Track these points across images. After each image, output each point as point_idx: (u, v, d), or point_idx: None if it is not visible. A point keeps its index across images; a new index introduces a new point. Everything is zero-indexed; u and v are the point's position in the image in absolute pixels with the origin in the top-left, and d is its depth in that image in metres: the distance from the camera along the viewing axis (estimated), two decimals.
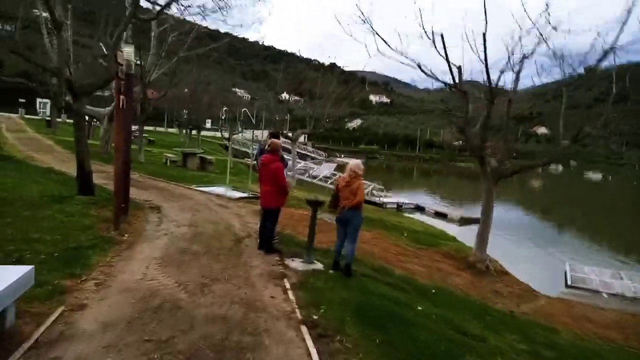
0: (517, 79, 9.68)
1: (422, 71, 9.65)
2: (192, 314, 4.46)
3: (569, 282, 12.03)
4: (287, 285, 5.69)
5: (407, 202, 30.04)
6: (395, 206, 28.32)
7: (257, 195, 13.65)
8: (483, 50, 8.85)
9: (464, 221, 24.61)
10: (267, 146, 7.20)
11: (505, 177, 9.80)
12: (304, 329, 4.41)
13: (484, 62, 8.83)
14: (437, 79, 9.73)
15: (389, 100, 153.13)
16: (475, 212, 28.96)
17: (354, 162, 6.70)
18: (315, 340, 4.17)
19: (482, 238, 9.93)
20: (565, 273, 13.03)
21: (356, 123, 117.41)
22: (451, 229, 20.47)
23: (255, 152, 10.34)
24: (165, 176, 16.67)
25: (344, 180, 6.64)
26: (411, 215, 24.86)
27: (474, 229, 23.29)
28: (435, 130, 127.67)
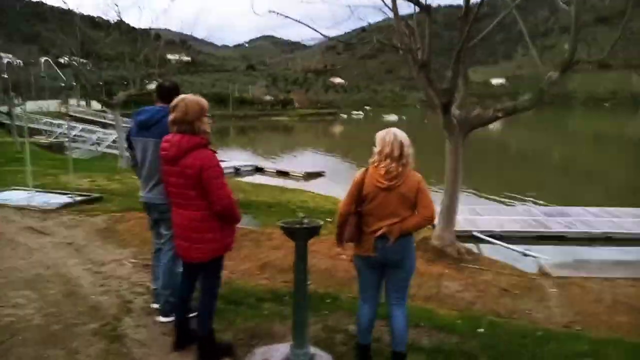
0: None
1: None
2: None
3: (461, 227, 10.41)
4: None
5: (244, 164, 27.02)
6: (233, 170, 25.12)
7: (90, 196, 8.69)
8: None
9: (309, 176, 23.26)
10: (171, 114, 3.00)
11: (478, 127, 7.12)
12: None
13: None
14: None
15: (189, 59, 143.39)
16: (314, 164, 28.18)
17: (400, 135, 3.04)
18: None
19: (449, 215, 7.26)
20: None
21: None
22: (301, 186, 18.92)
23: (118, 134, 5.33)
24: None
25: (385, 176, 2.96)
26: (250, 178, 22.82)
27: (325, 183, 22.09)
28: (244, 87, 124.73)
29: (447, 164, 7.25)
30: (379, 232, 2.99)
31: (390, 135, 3.00)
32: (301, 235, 3.15)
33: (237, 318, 3.86)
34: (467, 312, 5.11)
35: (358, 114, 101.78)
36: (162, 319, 3.65)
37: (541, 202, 15.01)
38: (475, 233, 10.58)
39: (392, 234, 2.97)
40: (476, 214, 12.54)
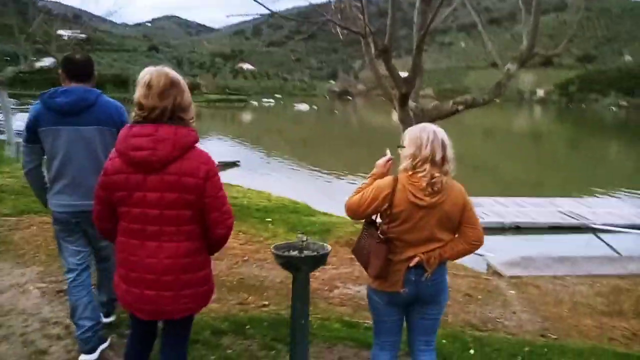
0: None
1: None
2: None
3: None
4: None
5: None
6: None
7: None
8: None
9: (224, 166, 22.50)
10: (157, 95, 1.93)
11: (436, 120, 6.65)
12: None
13: None
14: None
15: (85, 36, 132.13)
16: (226, 153, 26.97)
17: (440, 133, 2.34)
18: None
19: None
20: None
21: (50, 62, 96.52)
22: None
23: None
24: None
25: (427, 190, 2.23)
26: None
27: (241, 173, 21.20)
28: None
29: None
30: (414, 262, 2.28)
31: (429, 132, 2.30)
32: (304, 266, 2.36)
33: None
34: (444, 327, 4.60)
35: (269, 102, 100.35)
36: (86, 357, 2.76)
37: None
38: None
39: (430, 263, 2.28)
40: None
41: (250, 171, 20.60)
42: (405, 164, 2.30)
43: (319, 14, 7.46)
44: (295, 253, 2.41)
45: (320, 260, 2.41)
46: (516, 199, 13.60)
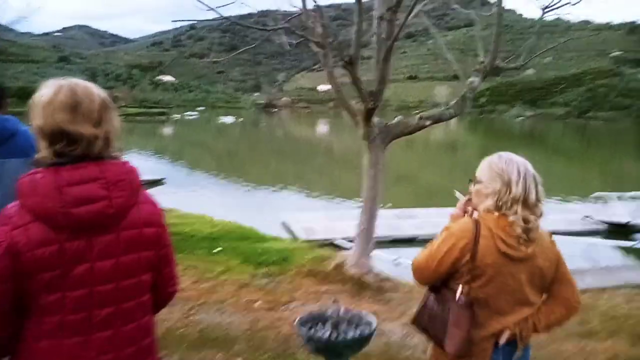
0: None
1: None
2: None
3: (302, 237, 10.30)
4: None
5: None
6: None
7: None
8: None
9: (148, 184, 21.22)
10: (64, 119, 1.28)
11: (401, 136, 6.33)
12: None
13: None
14: None
15: None
16: (150, 170, 25.38)
17: (530, 167, 1.80)
18: None
19: (367, 237, 6.31)
20: (285, 224, 11.52)
21: None
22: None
23: None
24: None
25: (522, 237, 1.70)
26: None
27: (168, 191, 19.97)
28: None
29: (368, 180, 6.28)
30: (504, 339, 1.75)
31: (519, 165, 1.78)
32: (349, 352, 1.75)
33: None
34: None
35: (192, 115, 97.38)
36: None
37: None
38: (337, 242, 10.16)
39: (524, 338, 1.77)
40: (335, 219, 12.01)
41: (178, 189, 19.35)
42: (486, 203, 1.77)
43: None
44: (328, 330, 1.79)
45: (369, 340, 1.81)
46: (448, 209, 13.62)
